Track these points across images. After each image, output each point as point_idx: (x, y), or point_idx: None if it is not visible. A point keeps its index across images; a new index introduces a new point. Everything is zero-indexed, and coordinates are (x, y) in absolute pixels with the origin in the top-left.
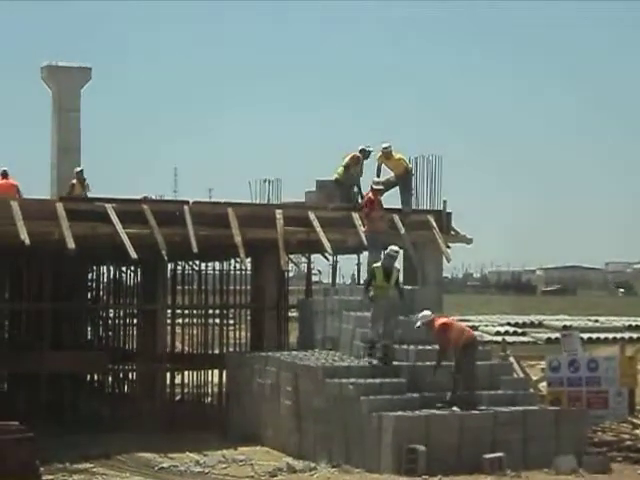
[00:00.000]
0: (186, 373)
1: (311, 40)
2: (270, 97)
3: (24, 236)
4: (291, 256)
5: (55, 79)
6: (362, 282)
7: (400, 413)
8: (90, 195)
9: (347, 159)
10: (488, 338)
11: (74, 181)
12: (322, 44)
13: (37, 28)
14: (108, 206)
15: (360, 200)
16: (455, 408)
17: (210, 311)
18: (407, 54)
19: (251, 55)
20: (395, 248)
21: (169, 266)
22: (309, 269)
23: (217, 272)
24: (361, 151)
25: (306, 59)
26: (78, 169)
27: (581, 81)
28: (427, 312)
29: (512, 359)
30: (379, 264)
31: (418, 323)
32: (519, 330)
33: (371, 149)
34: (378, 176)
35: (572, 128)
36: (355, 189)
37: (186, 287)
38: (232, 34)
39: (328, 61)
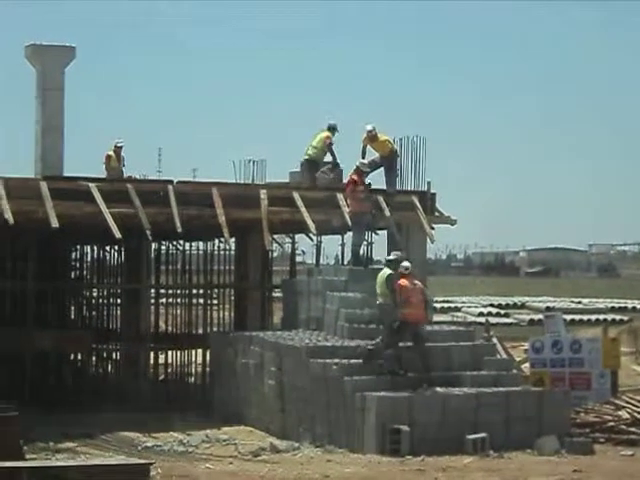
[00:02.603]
0: (170, 353)
1: (293, 20)
2: (255, 77)
3: (8, 215)
4: (275, 236)
5: (39, 58)
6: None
7: (384, 393)
8: (123, 170)
9: (320, 143)
10: (471, 319)
11: (111, 152)
12: (303, 23)
13: (22, 7)
14: (92, 185)
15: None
16: (438, 388)
17: (194, 291)
18: (393, 39)
19: (237, 35)
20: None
21: (153, 246)
22: (293, 249)
23: (201, 252)
24: (330, 129)
25: (290, 39)
26: (119, 143)
27: (561, 68)
28: (408, 265)
29: (495, 340)
30: (391, 272)
31: (405, 265)
32: (502, 311)
33: (333, 123)
34: (363, 157)
35: (557, 110)
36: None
37: (170, 267)
38: (219, 12)
39: (310, 41)
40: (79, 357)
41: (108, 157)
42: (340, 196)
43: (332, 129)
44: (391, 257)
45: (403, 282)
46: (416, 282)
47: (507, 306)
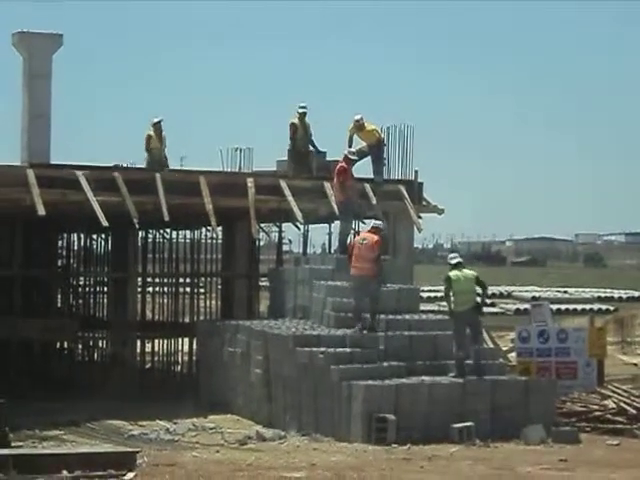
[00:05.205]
0: (156, 341)
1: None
2: (242, 64)
3: None
4: (262, 225)
5: (26, 45)
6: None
7: (370, 382)
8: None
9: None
10: None
11: (150, 132)
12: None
13: None
14: (79, 173)
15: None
16: (425, 377)
17: (181, 279)
18: (381, 29)
19: (221, 20)
20: (379, 222)
21: (140, 234)
22: (280, 238)
23: (188, 240)
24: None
25: (273, 28)
26: (156, 120)
27: (552, 60)
28: (379, 223)
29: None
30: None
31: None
32: (488, 301)
33: (303, 105)
34: (350, 146)
35: (542, 101)
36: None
37: (157, 255)
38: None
39: (296, 30)
40: (65, 345)
41: (148, 137)
42: (327, 185)
43: (302, 114)
44: (454, 260)
45: (357, 240)
46: (366, 237)
47: (493, 295)
